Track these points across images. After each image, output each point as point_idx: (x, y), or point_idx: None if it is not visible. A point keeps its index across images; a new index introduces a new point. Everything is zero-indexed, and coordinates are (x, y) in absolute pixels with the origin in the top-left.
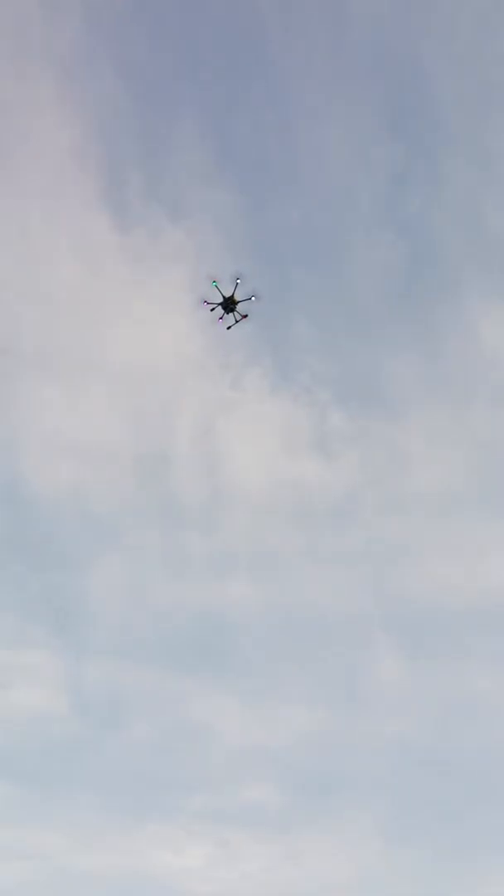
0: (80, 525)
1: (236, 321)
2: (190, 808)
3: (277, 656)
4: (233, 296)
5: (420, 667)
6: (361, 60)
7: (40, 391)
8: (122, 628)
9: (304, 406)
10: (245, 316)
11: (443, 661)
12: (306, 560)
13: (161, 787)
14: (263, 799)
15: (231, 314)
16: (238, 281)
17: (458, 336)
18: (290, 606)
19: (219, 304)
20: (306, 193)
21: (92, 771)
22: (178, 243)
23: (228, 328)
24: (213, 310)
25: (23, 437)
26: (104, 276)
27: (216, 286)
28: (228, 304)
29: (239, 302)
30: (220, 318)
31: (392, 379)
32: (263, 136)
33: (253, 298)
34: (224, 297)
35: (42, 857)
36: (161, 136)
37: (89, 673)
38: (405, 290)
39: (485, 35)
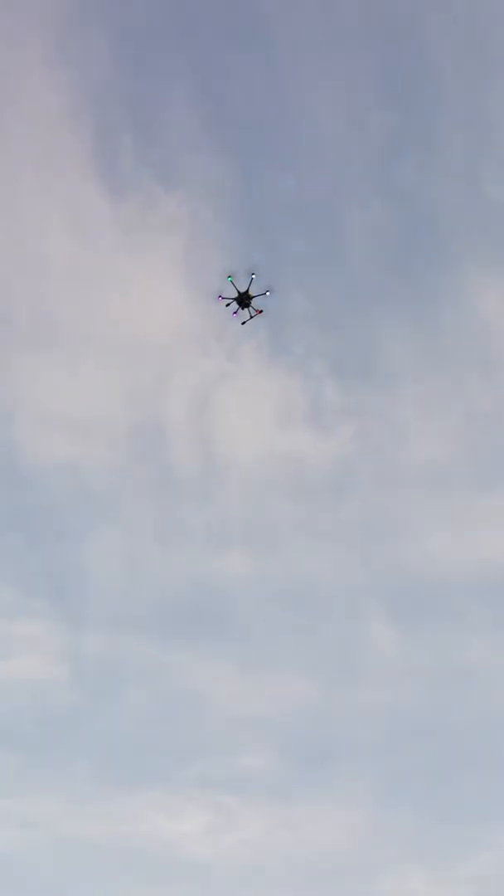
0: (75, 497)
1: (251, 316)
2: (187, 775)
3: (273, 627)
4: (248, 291)
5: (414, 637)
6: (357, 25)
7: (33, 363)
8: (120, 600)
9: (300, 378)
10: (260, 311)
11: (436, 631)
12: (302, 532)
13: (158, 755)
14: (260, 766)
15: (246, 309)
16: (253, 276)
17: (454, 307)
18: (286, 577)
19: (234, 299)
20: (301, 161)
21: (90, 739)
22: (172, 212)
23: (243, 323)
24: (228, 305)
25: (17, 409)
26: (97, 246)
27: (231, 281)
28: (244, 300)
29: (254, 297)
30: (235, 313)
31: (388, 350)
32: (257, 102)
33: (268, 293)
34: (239, 292)
35: (41, 825)
36: (153, 101)
37: (87, 643)
38: (401, 260)
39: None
